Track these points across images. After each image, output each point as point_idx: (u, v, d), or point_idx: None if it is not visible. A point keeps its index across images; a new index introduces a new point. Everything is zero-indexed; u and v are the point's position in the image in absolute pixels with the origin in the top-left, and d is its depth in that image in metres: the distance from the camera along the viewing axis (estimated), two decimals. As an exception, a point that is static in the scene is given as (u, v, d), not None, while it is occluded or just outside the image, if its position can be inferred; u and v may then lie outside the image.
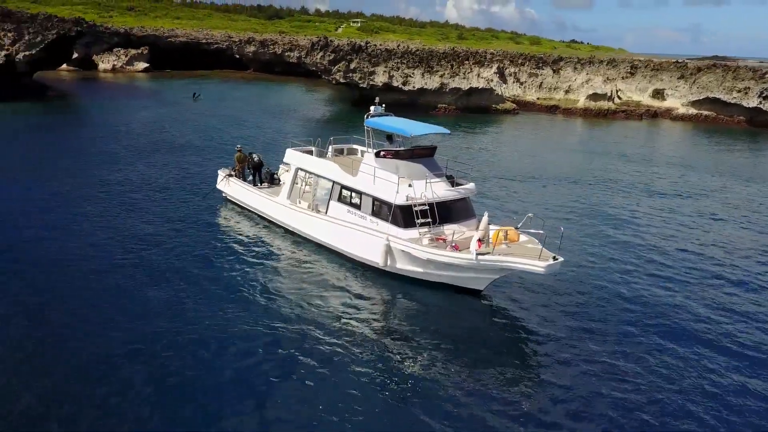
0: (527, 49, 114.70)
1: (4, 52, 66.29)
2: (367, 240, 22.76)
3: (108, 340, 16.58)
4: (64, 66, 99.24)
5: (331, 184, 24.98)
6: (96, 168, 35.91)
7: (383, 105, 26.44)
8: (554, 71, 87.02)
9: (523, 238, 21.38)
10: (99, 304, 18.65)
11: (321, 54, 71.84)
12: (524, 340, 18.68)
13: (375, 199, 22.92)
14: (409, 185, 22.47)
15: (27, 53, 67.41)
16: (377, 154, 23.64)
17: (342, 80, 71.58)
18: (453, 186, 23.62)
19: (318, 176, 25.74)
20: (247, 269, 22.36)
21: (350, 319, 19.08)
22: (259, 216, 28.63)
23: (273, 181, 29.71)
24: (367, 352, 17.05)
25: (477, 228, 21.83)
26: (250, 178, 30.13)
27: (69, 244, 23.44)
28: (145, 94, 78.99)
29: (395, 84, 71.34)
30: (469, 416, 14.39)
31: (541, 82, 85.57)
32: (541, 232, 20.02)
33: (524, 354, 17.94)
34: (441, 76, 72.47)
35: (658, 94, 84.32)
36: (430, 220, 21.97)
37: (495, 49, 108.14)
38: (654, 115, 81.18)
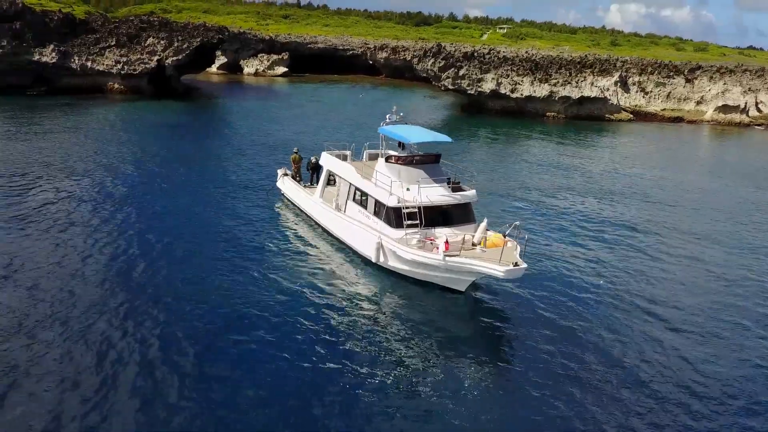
0: (689, 57, 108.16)
1: (156, 58, 76.07)
2: (367, 237, 24.66)
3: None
4: (214, 69, 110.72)
5: (349, 185, 27.16)
6: (204, 160, 41.52)
7: (401, 114, 27.99)
8: (687, 80, 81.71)
9: (509, 244, 22.11)
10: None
11: (432, 60, 73.90)
12: (497, 338, 19.74)
13: (376, 200, 24.75)
14: (407, 189, 24.00)
15: (174, 58, 76.67)
16: (386, 160, 25.43)
17: (450, 86, 73.11)
18: (454, 191, 24.70)
19: (341, 178, 28.03)
20: (274, 257, 24.84)
21: (341, 307, 20.84)
22: (302, 212, 31.41)
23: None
24: (346, 339, 18.55)
25: (475, 232, 22.91)
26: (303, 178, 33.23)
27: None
28: (274, 96, 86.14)
29: (502, 91, 71.53)
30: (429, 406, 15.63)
31: (669, 92, 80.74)
32: (526, 237, 21.10)
33: (494, 350, 18.98)
34: (551, 84, 71.33)
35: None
36: (417, 221, 23.32)
37: (629, 56, 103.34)
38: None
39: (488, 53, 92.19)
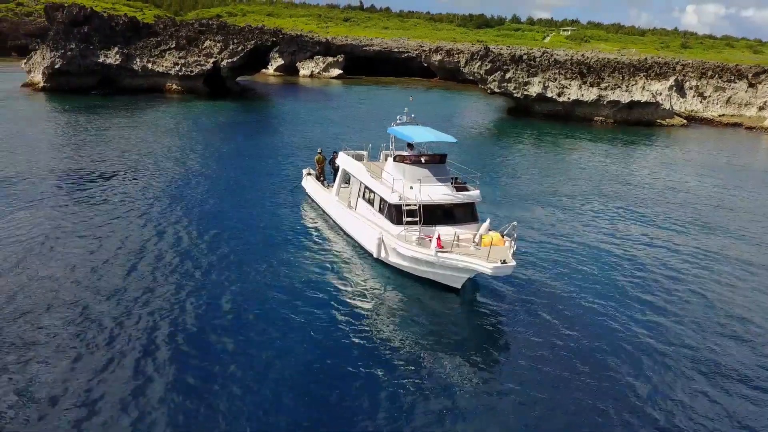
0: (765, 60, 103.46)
1: (212, 60, 79.26)
2: (371, 233, 25.45)
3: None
4: (272, 71, 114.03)
5: (359, 183, 28.02)
6: (243, 158, 43.36)
7: (413, 115, 28.59)
8: (750, 85, 78.34)
9: (506, 243, 22.46)
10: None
11: (479, 63, 73.85)
12: (487, 337, 20.08)
13: (380, 197, 25.51)
14: (411, 187, 24.65)
15: (229, 60, 79.64)
16: (394, 159, 26.14)
17: (496, 90, 72.86)
18: (458, 191, 25.14)
19: (353, 177, 28.93)
20: (284, 251, 25.86)
21: (339, 301, 21.54)
22: (321, 210, 32.47)
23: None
24: (337, 333, 19.20)
25: (477, 231, 23.44)
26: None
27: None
28: (324, 97, 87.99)
29: (549, 95, 70.72)
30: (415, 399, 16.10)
31: (730, 97, 77.63)
32: (514, 235, 21.82)
33: (482, 349, 19.25)
34: (599, 88, 69.97)
35: None
36: (417, 219, 23.91)
37: (692, 59, 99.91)
38: None
39: (541, 56, 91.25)
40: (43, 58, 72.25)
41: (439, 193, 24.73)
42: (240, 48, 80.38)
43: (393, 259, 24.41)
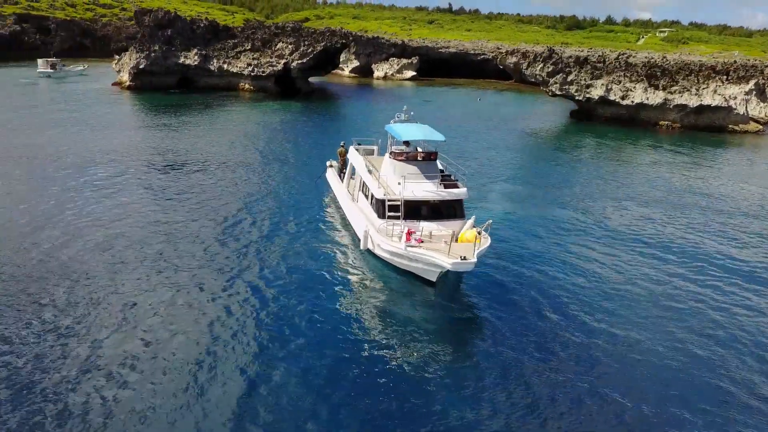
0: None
1: (283, 61, 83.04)
2: (361, 225, 26.74)
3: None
4: (347, 72, 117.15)
5: (360, 177, 29.39)
6: (289, 154, 45.85)
7: (412, 113, 29.56)
8: None
9: (482, 240, 23.16)
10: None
11: (541, 65, 72.97)
12: (458, 330, 20.83)
13: (371, 191, 26.75)
14: (398, 183, 25.73)
15: (299, 61, 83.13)
16: (390, 155, 27.30)
17: (558, 92, 71.69)
18: (446, 188, 25.91)
19: (356, 171, 30.33)
20: (290, 239, 27.64)
21: (319, 287, 22.91)
22: (337, 201, 34.06)
23: None
24: (313, 321, 20.37)
25: (461, 228, 24.32)
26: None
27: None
28: (391, 98, 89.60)
29: (612, 98, 68.74)
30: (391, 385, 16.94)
31: (818, 103, 72.17)
32: (482, 232, 22.72)
33: (452, 342, 19.96)
34: (666, 91, 67.24)
35: None
36: (399, 213, 24.93)
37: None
38: None
39: (616, 58, 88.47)
40: (130, 59, 78.64)
41: (423, 189, 25.60)
42: (310, 49, 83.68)
43: (377, 251, 25.57)
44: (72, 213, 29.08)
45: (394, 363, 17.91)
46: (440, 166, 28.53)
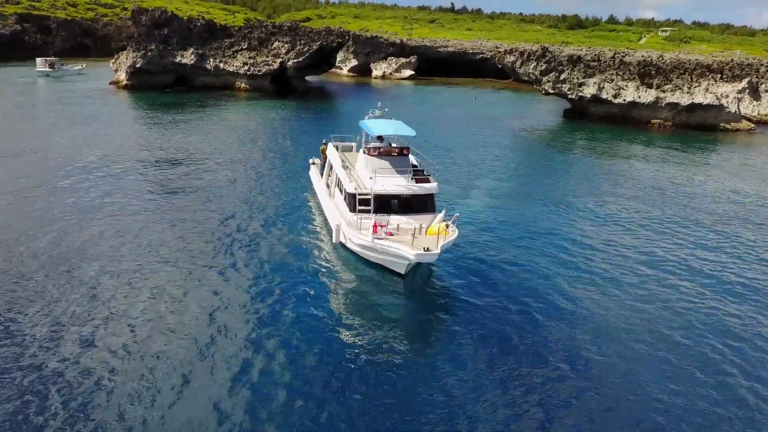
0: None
1: (279, 60, 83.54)
2: (335, 219, 27.14)
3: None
4: (345, 71, 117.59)
5: (335, 173, 29.78)
6: (276, 152, 46.37)
7: (386, 109, 29.97)
8: (839, 88, 72.42)
9: (449, 233, 23.64)
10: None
11: (534, 64, 73.21)
12: (422, 321, 21.27)
13: (344, 186, 27.14)
14: (370, 177, 26.12)
15: (295, 60, 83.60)
16: (364, 151, 27.70)
17: (550, 90, 71.93)
18: (416, 183, 26.28)
19: (332, 166, 30.73)
20: (264, 234, 28.24)
21: (291, 280, 23.29)
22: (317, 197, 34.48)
23: None
24: (283, 311, 20.90)
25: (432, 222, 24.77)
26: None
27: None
28: (387, 97, 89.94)
29: (604, 96, 68.92)
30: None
31: (812, 101, 72.10)
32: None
33: (416, 332, 20.46)
34: (658, 89, 67.36)
35: None
36: (370, 207, 25.32)
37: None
38: None
39: (612, 56, 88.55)
40: (127, 58, 79.29)
41: (394, 183, 25.99)
42: (306, 48, 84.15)
43: (349, 245, 25.96)
44: (64, 208, 29.64)
45: (358, 351, 18.34)
46: (414, 162, 28.95)
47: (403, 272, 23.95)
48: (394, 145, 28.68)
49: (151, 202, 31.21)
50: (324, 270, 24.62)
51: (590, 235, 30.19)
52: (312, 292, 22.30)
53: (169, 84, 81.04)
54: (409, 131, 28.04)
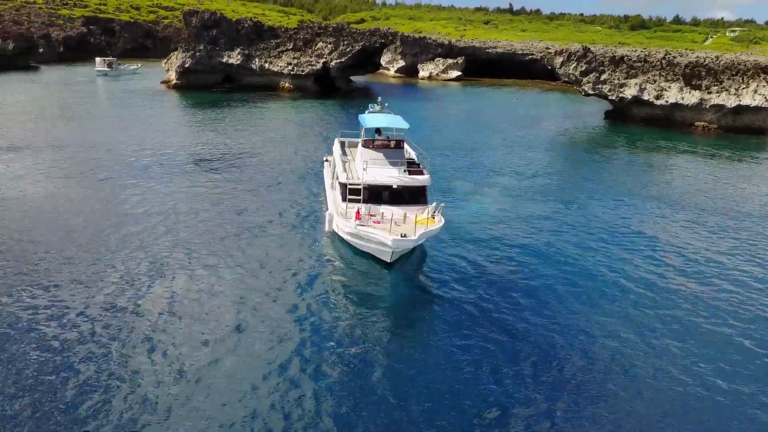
0: None
1: (322, 60, 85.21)
2: (332, 209, 28.02)
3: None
4: (392, 72, 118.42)
5: (333, 165, 30.69)
6: (310, 148, 47.89)
7: (387, 104, 30.60)
8: None
9: (435, 222, 24.34)
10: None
11: (574, 65, 72.02)
12: (407, 309, 22.09)
13: (338, 178, 27.95)
14: (364, 169, 26.83)
15: (338, 61, 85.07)
16: (362, 144, 28.47)
17: (590, 91, 70.58)
18: (409, 175, 26.79)
19: (334, 159, 31.63)
20: (275, 224, 29.39)
21: (281, 267, 24.34)
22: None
23: None
24: (272, 297, 22.01)
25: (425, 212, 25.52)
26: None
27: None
28: (430, 97, 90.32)
29: (645, 97, 67.07)
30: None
31: None
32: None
33: (399, 320, 21.16)
34: (702, 91, 65.00)
35: None
36: (360, 197, 25.98)
37: None
38: None
39: (663, 57, 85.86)
40: (177, 59, 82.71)
41: (385, 175, 26.61)
42: (348, 49, 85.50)
43: (340, 233, 26.74)
44: (112, 199, 31.55)
45: (340, 338, 19.09)
46: (413, 155, 29.50)
47: (389, 260, 24.39)
48: (390, 138, 29.33)
49: (191, 195, 32.97)
50: (313, 256, 25.53)
51: (605, 239, 29.88)
52: (299, 280, 23.06)
53: (217, 83, 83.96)
54: (403, 124, 28.66)
